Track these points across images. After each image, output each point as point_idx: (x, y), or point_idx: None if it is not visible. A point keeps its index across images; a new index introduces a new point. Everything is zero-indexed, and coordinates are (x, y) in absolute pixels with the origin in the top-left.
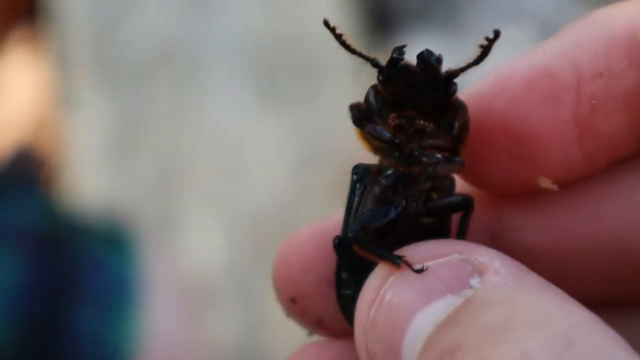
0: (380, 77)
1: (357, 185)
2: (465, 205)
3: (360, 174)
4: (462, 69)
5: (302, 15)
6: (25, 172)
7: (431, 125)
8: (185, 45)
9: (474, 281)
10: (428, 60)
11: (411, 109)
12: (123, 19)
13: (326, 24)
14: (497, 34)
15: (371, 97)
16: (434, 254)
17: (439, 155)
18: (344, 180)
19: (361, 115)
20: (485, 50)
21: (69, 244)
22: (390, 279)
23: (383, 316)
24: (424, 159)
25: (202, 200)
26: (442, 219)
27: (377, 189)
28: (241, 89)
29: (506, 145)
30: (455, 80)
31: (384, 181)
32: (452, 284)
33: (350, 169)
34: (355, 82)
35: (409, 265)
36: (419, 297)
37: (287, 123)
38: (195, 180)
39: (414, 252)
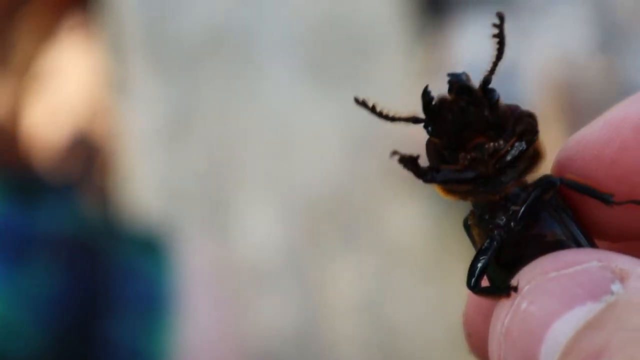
0: (429, 129)
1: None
2: (547, 185)
3: (466, 223)
4: (492, 71)
5: None
6: (79, 159)
7: (499, 141)
8: (236, 30)
9: (616, 287)
10: (459, 82)
11: (472, 137)
12: (175, 4)
13: (359, 102)
14: (501, 17)
15: (432, 152)
16: (570, 262)
17: (521, 165)
18: (397, 163)
19: (424, 169)
20: (501, 40)
21: (104, 252)
22: (526, 288)
23: (518, 325)
24: (513, 174)
25: (255, 185)
26: (563, 229)
27: (480, 227)
28: (293, 72)
29: (621, 194)
30: (490, 85)
31: (487, 217)
32: (592, 290)
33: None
34: (407, 60)
35: (545, 274)
36: (557, 304)
37: (340, 105)
38: (249, 165)
39: (549, 261)
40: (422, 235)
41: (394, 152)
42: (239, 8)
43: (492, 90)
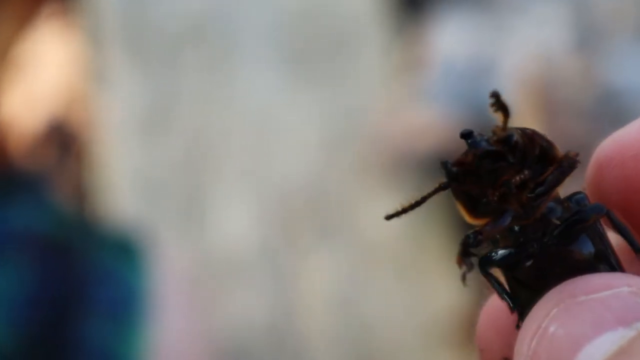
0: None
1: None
2: (593, 214)
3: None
4: (504, 128)
5: None
6: (56, 147)
7: (525, 172)
8: (216, 22)
9: None
10: (481, 150)
11: (498, 179)
12: None
13: (390, 217)
14: (495, 95)
15: (460, 196)
16: (601, 286)
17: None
18: (373, 158)
19: (468, 241)
20: (503, 107)
21: (77, 251)
22: (554, 311)
23: (546, 348)
24: (541, 201)
25: (231, 179)
26: (597, 251)
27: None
28: (272, 66)
29: None
30: (504, 134)
31: (516, 229)
32: (623, 316)
33: (379, 146)
34: (386, 56)
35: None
36: (587, 328)
37: (318, 100)
38: (225, 159)
39: (578, 285)
40: (397, 232)
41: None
42: (220, 0)
43: (509, 137)
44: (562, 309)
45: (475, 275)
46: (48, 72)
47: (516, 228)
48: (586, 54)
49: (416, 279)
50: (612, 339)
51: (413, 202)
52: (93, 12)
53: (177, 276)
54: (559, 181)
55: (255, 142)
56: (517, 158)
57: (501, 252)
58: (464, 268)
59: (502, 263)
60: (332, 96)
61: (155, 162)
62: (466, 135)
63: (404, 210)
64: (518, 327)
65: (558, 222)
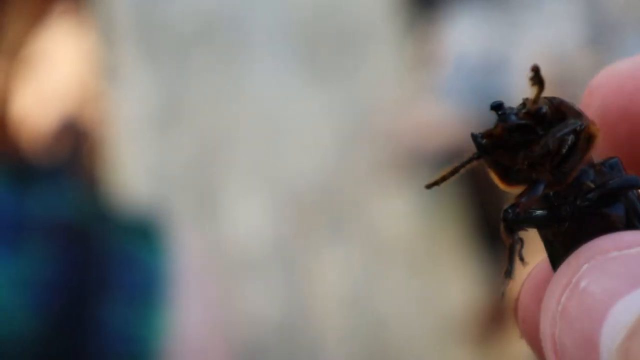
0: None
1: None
2: (629, 185)
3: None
4: (535, 98)
5: None
6: (68, 144)
7: (549, 139)
8: (228, 19)
9: None
10: (508, 118)
11: (527, 151)
12: None
13: (430, 186)
14: (536, 69)
15: (492, 165)
16: (632, 243)
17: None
18: (386, 154)
19: (510, 215)
20: (540, 81)
21: (97, 236)
22: (585, 266)
23: (577, 304)
24: (571, 168)
25: (244, 173)
26: (630, 214)
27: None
28: (284, 63)
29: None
30: (535, 107)
31: (550, 194)
32: None
33: (392, 142)
34: (398, 52)
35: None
36: (619, 284)
37: (330, 96)
38: (238, 153)
39: (610, 241)
40: (410, 228)
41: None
42: None
43: (539, 110)
44: (593, 264)
45: (489, 272)
46: (60, 69)
47: (550, 193)
48: (598, 50)
49: (429, 275)
50: None
51: (449, 171)
52: (105, 10)
53: (195, 262)
54: (584, 149)
55: (267, 139)
56: (545, 129)
57: (533, 213)
58: (513, 245)
59: (532, 223)
60: (344, 93)
61: (168, 159)
62: (496, 107)
63: (442, 179)
64: None
65: (592, 186)
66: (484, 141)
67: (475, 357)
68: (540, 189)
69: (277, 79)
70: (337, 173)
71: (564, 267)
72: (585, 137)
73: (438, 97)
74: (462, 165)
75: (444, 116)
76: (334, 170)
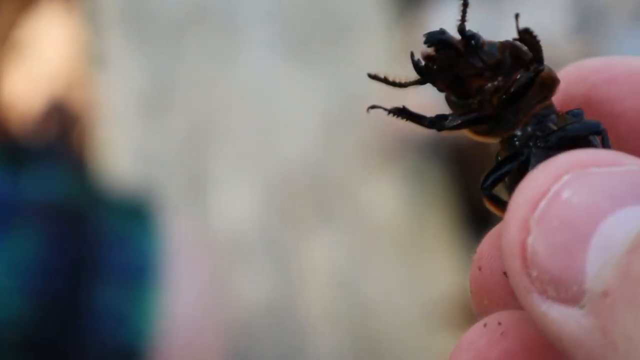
0: (434, 87)
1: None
2: (589, 129)
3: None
4: (462, 19)
5: None
6: (56, 128)
7: (498, 78)
8: (217, 4)
9: None
10: (434, 38)
11: (472, 83)
12: None
13: (371, 76)
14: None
15: (452, 105)
16: (611, 161)
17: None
18: (373, 140)
19: (432, 119)
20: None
21: (90, 218)
22: (566, 177)
23: (559, 214)
24: (525, 104)
25: (232, 159)
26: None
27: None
28: (273, 48)
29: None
30: (467, 30)
31: (516, 140)
32: None
33: (379, 129)
34: (386, 39)
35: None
36: (605, 201)
37: (318, 82)
38: (226, 139)
39: (587, 155)
40: (397, 213)
41: (372, 107)
42: None
43: (472, 35)
44: (576, 176)
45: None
46: (49, 53)
47: (517, 135)
48: (585, 37)
49: (416, 260)
50: (636, 215)
51: (396, 81)
52: None
53: (186, 244)
54: (537, 93)
55: (256, 124)
56: (485, 58)
57: (508, 157)
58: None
59: (510, 169)
60: (332, 79)
61: (156, 144)
62: (428, 33)
63: (386, 81)
64: None
65: (555, 128)
66: (421, 61)
67: None
68: (473, 117)
69: (267, 64)
70: (325, 158)
71: (540, 173)
72: (540, 82)
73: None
74: (411, 83)
75: (430, 101)
76: (322, 156)
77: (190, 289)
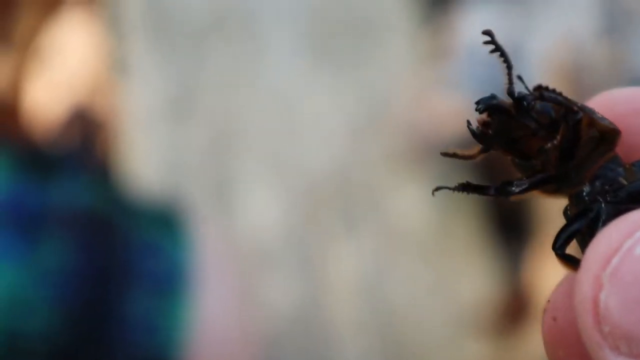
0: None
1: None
2: None
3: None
4: (510, 82)
5: None
6: (80, 136)
7: (556, 136)
8: (239, 8)
9: None
10: (488, 105)
11: (532, 145)
12: None
13: (444, 154)
14: (489, 34)
15: (519, 168)
16: None
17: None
18: (400, 145)
19: (499, 187)
20: (500, 51)
21: (118, 227)
22: (639, 233)
23: (632, 269)
24: (584, 159)
25: (257, 164)
26: None
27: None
28: (297, 52)
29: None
30: (516, 94)
31: (585, 195)
32: None
33: (406, 133)
34: (412, 43)
35: None
36: None
37: (344, 86)
38: (251, 144)
39: None
40: (423, 219)
41: (437, 188)
42: None
43: (522, 97)
44: None
45: (503, 264)
46: (71, 61)
47: (585, 191)
48: (614, 40)
49: (443, 266)
50: None
51: (466, 155)
52: (116, 0)
53: (215, 252)
54: (594, 146)
55: (281, 129)
56: (539, 119)
57: (578, 214)
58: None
59: (580, 226)
60: (358, 83)
61: (181, 150)
62: (480, 100)
63: (456, 156)
64: None
65: (624, 182)
66: (477, 128)
67: (489, 350)
68: (537, 179)
69: (291, 69)
70: (351, 164)
71: (612, 229)
72: (600, 135)
73: (452, 87)
74: (475, 156)
75: (458, 107)
76: (348, 161)
77: (219, 297)
